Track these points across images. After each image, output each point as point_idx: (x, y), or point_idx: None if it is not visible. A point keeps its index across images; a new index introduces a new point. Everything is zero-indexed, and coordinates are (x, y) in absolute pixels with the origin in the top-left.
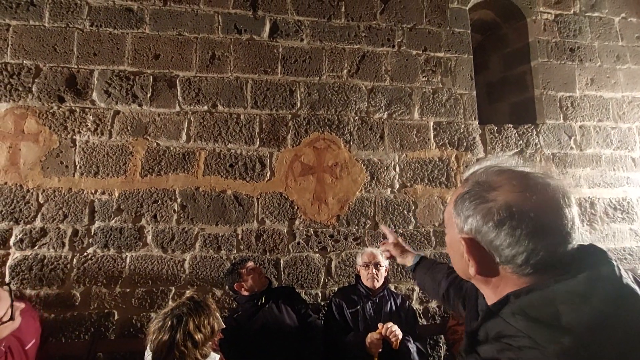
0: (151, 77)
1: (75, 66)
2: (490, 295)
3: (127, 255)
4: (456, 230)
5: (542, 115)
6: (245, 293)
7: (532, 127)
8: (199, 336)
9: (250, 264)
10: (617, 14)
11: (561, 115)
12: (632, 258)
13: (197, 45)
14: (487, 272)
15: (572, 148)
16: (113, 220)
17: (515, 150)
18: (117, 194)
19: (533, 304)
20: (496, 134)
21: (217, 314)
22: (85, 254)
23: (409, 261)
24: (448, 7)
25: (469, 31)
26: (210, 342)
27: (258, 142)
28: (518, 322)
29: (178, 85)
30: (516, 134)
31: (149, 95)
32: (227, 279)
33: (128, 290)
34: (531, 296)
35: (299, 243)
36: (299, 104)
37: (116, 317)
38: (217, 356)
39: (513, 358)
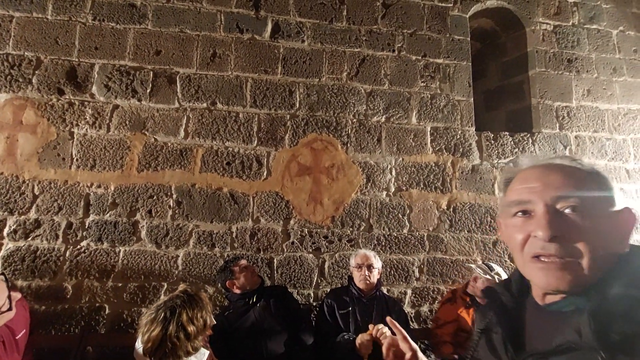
0: (151, 72)
1: (76, 59)
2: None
3: (120, 250)
4: (613, 206)
5: (538, 124)
6: (237, 291)
7: (528, 135)
8: (191, 328)
9: (243, 262)
10: (615, 27)
11: (557, 125)
12: None
13: (198, 43)
14: None
15: None
16: (108, 214)
17: (511, 158)
18: (112, 188)
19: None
20: (492, 141)
21: (209, 308)
22: (78, 246)
23: None
24: (448, 15)
25: (469, 39)
26: (201, 336)
27: (256, 141)
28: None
29: (178, 81)
30: (512, 142)
31: (148, 91)
32: (219, 276)
33: (120, 284)
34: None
35: (293, 243)
36: (297, 105)
37: (107, 311)
38: (207, 352)
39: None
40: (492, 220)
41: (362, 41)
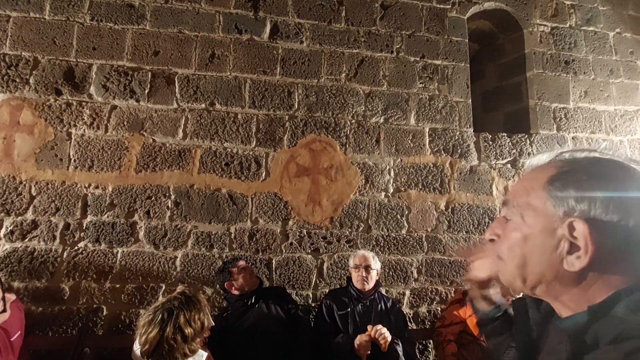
0: (150, 73)
1: (74, 59)
2: (577, 298)
3: (118, 251)
4: (557, 215)
5: (535, 125)
6: (236, 292)
7: (526, 136)
8: (188, 330)
9: (242, 263)
10: (612, 29)
11: (554, 126)
12: None
13: (197, 44)
14: (596, 266)
15: None
16: (105, 215)
17: (509, 159)
18: (110, 189)
19: None
20: (490, 142)
21: (207, 310)
22: (76, 247)
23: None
24: (447, 16)
25: (467, 40)
26: (199, 339)
27: (254, 142)
28: None
29: (176, 82)
30: (510, 143)
31: (146, 92)
32: (217, 277)
33: (118, 285)
34: None
35: (291, 244)
36: (296, 106)
37: (105, 312)
38: (205, 354)
39: None
40: (490, 221)
41: (360, 42)
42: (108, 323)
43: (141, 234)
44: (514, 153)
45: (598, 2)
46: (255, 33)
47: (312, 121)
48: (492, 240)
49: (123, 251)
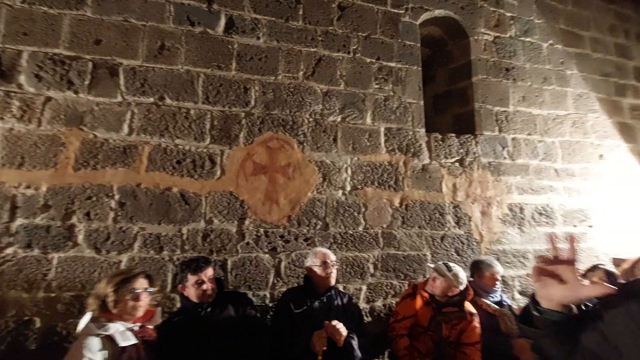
0: (90, 63)
1: (0, 45)
2: None
3: (54, 257)
4: None
5: (480, 126)
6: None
7: (472, 137)
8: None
9: (203, 276)
10: (546, 41)
11: (497, 128)
12: None
13: (145, 34)
14: None
15: (505, 158)
16: (39, 218)
17: (457, 158)
18: (44, 189)
19: None
20: (440, 142)
21: (109, 283)
22: (3, 254)
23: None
24: (400, 21)
25: (419, 45)
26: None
27: (209, 139)
28: None
29: (121, 73)
30: (458, 143)
31: (86, 83)
32: (178, 274)
33: (53, 295)
34: None
35: (248, 243)
36: (253, 102)
37: (38, 324)
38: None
39: None
40: (440, 217)
41: (318, 41)
42: (42, 336)
43: (80, 237)
44: (461, 152)
45: (534, 15)
46: (209, 26)
47: (270, 119)
48: None
49: (60, 257)
